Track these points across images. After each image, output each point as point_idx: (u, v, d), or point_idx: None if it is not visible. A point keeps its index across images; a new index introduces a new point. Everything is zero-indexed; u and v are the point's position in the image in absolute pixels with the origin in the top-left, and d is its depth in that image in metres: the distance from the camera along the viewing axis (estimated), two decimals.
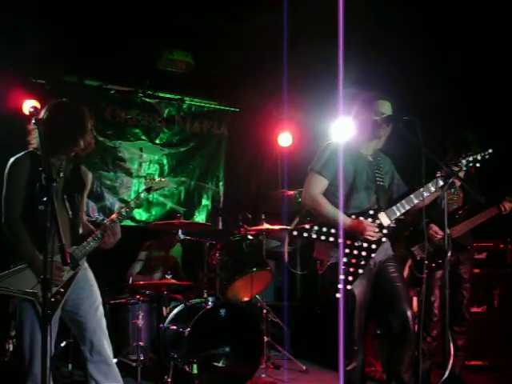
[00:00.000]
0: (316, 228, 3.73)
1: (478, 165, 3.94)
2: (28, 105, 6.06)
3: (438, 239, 4.67)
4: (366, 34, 5.69)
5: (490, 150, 3.96)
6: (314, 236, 3.73)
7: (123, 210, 3.66)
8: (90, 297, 3.60)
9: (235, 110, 7.86)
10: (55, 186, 2.87)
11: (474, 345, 5.36)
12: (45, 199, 2.85)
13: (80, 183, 3.70)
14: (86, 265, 3.65)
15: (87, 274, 3.64)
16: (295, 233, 3.77)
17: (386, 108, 3.87)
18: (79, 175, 3.70)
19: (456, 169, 3.82)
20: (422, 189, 3.80)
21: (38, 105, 5.64)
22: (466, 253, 4.90)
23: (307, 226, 3.74)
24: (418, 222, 4.68)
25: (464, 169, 3.88)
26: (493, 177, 4.50)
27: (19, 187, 3.40)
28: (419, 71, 6.11)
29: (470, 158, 3.90)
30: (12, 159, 3.46)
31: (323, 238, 3.73)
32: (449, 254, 3.59)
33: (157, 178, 3.99)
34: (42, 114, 3.50)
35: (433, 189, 3.81)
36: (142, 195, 3.79)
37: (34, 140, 3.47)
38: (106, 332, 3.63)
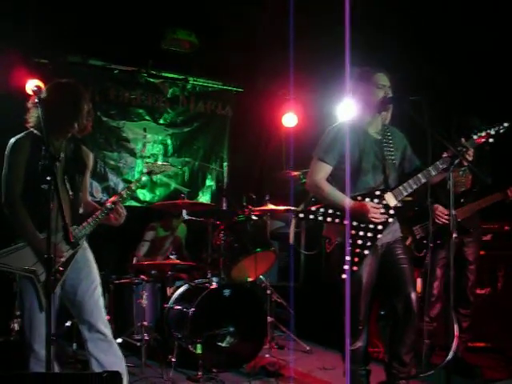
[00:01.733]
0: (322, 210, 3.72)
1: (491, 140, 3.82)
2: (31, 84, 6.03)
3: (443, 220, 4.65)
4: (372, 15, 5.65)
5: (506, 124, 3.83)
6: (321, 218, 3.73)
7: (124, 192, 3.65)
8: (89, 277, 3.60)
9: (240, 90, 7.81)
10: (57, 164, 2.85)
11: (477, 326, 5.36)
12: (48, 178, 2.83)
13: (81, 163, 3.68)
14: (85, 245, 3.64)
15: (86, 254, 3.64)
16: (301, 215, 3.77)
17: (385, 80, 3.84)
18: (80, 155, 3.69)
19: (463, 149, 3.75)
20: (430, 167, 3.76)
21: (41, 84, 5.63)
22: (470, 235, 4.88)
23: (313, 208, 3.74)
24: (423, 201, 4.67)
25: (473, 146, 3.79)
26: (504, 160, 4.43)
27: (19, 167, 3.40)
28: (423, 52, 6.07)
29: (483, 133, 3.81)
30: (12, 139, 3.45)
31: (329, 219, 3.72)
32: (454, 235, 3.56)
33: (159, 161, 3.97)
34: (42, 93, 3.48)
35: (441, 167, 3.77)
36: (144, 178, 3.78)
37: (32, 119, 3.46)
38: (104, 312, 3.63)
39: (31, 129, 3.46)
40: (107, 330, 3.60)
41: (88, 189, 3.82)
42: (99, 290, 3.63)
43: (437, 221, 4.68)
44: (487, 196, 4.80)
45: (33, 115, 3.45)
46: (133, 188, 3.71)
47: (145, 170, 3.83)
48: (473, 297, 4.93)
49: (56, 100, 3.47)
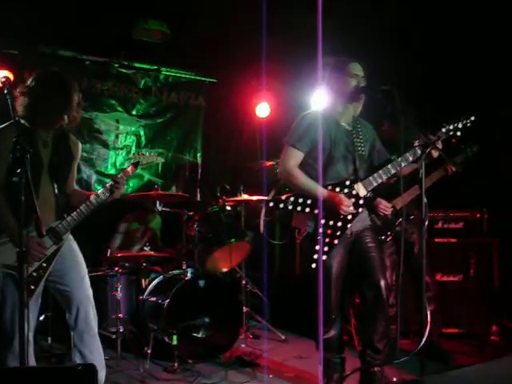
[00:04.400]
0: (292, 199, 3.73)
1: (458, 133, 3.87)
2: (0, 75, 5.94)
3: (387, 213, 4.65)
4: (345, 3, 5.65)
5: (472, 118, 3.89)
6: (290, 207, 3.73)
7: (109, 184, 3.58)
8: (76, 267, 3.58)
9: (213, 80, 7.77)
10: (27, 157, 2.80)
11: (451, 313, 5.45)
12: (19, 171, 2.80)
13: (68, 154, 3.64)
14: (70, 236, 3.61)
15: (72, 244, 3.62)
16: (271, 204, 3.77)
17: (359, 70, 3.85)
18: (67, 145, 3.64)
19: (434, 138, 3.78)
20: (399, 158, 3.79)
21: (10, 75, 5.55)
22: (412, 221, 4.92)
23: (283, 197, 3.74)
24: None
25: (442, 138, 3.84)
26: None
27: (1, 159, 3.32)
28: (397, 42, 6.10)
29: (451, 127, 3.86)
30: None
31: (299, 208, 3.74)
32: (426, 223, 3.59)
33: (146, 152, 3.92)
34: (28, 81, 3.42)
35: (411, 158, 3.80)
36: (129, 170, 3.70)
37: (20, 108, 3.39)
38: (93, 302, 3.63)
39: (17, 118, 3.36)
40: (95, 321, 3.61)
41: (75, 177, 3.77)
42: (87, 279, 3.63)
43: (381, 214, 4.67)
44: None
45: (20, 104, 3.38)
46: (119, 180, 3.59)
47: (131, 161, 3.78)
48: (430, 278, 4.99)
49: (45, 90, 3.41)
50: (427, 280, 4.94)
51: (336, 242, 3.72)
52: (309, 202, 3.72)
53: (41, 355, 4.94)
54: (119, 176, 3.60)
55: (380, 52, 5.79)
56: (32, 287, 3.35)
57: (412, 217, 4.91)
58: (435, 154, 3.81)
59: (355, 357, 4.09)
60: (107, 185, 3.57)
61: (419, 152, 3.75)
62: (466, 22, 5.76)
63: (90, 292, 3.63)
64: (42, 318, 5.08)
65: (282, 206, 3.74)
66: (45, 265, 3.41)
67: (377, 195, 4.44)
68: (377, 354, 3.85)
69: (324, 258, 3.68)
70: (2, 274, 3.35)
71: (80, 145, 3.75)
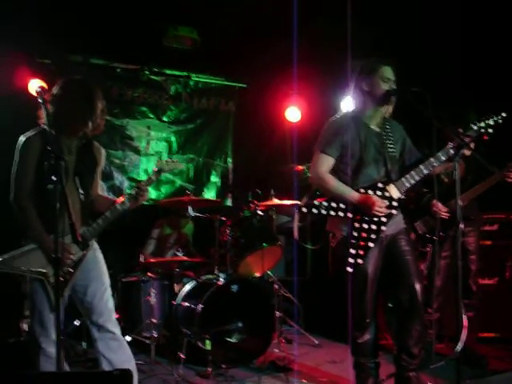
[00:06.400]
0: (325, 204, 3.72)
1: (490, 130, 3.77)
2: (34, 84, 6.04)
3: (442, 216, 4.64)
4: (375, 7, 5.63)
5: (504, 114, 3.78)
6: (324, 212, 3.72)
7: (133, 191, 3.61)
8: (99, 278, 3.59)
9: (243, 85, 7.81)
10: (63, 164, 2.84)
11: (486, 317, 5.36)
12: (54, 178, 2.82)
13: (92, 161, 3.66)
14: (95, 245, 3.64)
15: (97, 254, 3.63)
16: (305, 209, 3.76)
17: (390, 74, 3.82)
18: (91, 153, 3.66)
19: (466, 139, 3.73)
20: (431, 159, 3.75)
21: (44, 85, 5.64)
22: (470, 224, 4.86)
23: (316, 202, 3.73)
24: (420, 196, 4.67)
25: (474, 137, 3.77)
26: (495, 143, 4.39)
27: (29, 166, 3.37)
28: (428, 44, 6.05)
29: (482, 124, 3.78)
30: (22, 138, 3.43)
31: (333, 213, 3.71)
32: (461, 226, 3.54)
33: (168, 159, 3.94)
34: (53, 89, 3.46)
35: (443, 158, 3.76)
36: (153, 178, 3.74)
37: (45, 115, 3.43)
38: (114, 313, 3.63)
39: (43, 125, 3.40)
40: (117, 329, 3.60)
41: (100, 184, 3.79)
42: (109, 291, 3.63)
43: (436, 215, 4.66)
44: (483, 181, 4.79)
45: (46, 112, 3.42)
46: (143, 187, 3.62)
47: (154, 168, 3.80)
48: (475, 286, 4.93)
49: (70, 97, 3.44)
50: (472, 287, 4.89)
51: (371, 245, 3.68)
52: (342, 206, 3.70)
53: (75, 360, 5.00)
54: (142, 184, 3.63)
55: (411, 52, 5.76)
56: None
57: (473, 217, 4.86)
58: (467, 152, 3.79)
59: (390, 362, 4.05)
60: (131, 192, 3.60)
61: (452, 152, 3.71)
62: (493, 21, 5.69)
63: (111, 303, 3.62)
64: (76, 322, 5.15)
65: (315, 210, 3.72)
66: (71, 270, 3.44)
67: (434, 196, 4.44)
68: (412, 359, 3.80)
69: (360, 261, 3.65)
70: (30, 279, 3.39)
71: (104, 151, 3.76)
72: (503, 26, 5.68)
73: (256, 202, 5.77)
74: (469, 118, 4.44)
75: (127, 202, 3.58)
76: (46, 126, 3.30)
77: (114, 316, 3.64)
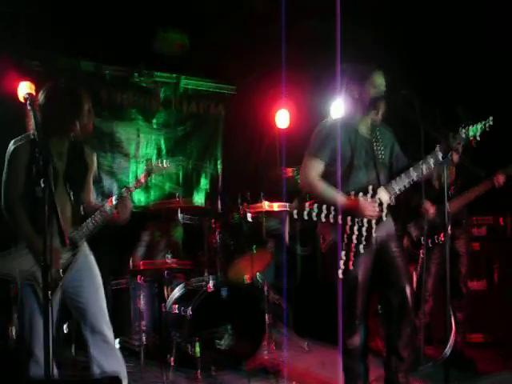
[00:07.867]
0: (316, 208, 3.72)
1: (478, 137, 3.78)
2: (23, 87, 6.01)
3: (430, 216, 4.66)
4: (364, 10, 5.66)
5: (491, 118, 3.78)
6: (315, 218, 3.72)
7: (123, 192, 3.64)
8: (92, 282, 3.61)
9: (232, 89, 7.80)
10: (51, 169, 2.84)
11: (475, 319, 5.38)
12: (42, 183, 2.83)
13: (83, 165, 3.69)
14: (87, 250, 3.65)
15: (88, 258, 3.65)
16: (295, 215, 3.76)
17: (381, 80, 3.84)
18: (83, 157, 3.69)
19: (455, 142, 3.74)
20: (420, 162, 3.77)
21: (32, 87, 5.64)
22: (460, 227, 4.90)
23: (307, 208, 3.73)
24: (410, 199, 4.69)
25: (463, 142, 3.79)
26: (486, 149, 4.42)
27: (18, 171, 3.42)
28: (419, 48, 6.08)
29: (470, 132, 3.79)
30: (12, 145, 3.47)
31: (323, 217, 3.72)
32: (449, 230, 3.56)
33: (157, 161, 3.98)
34: (38, 97, 3.48)
35: (432, 161, 3.77)
36: (143, 180, 3.78)
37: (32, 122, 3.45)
38: (107, 316, 3.64)
39: (32, 131, 3.45)
40: (110, 333, 3.61)
41: (92, 190, 3.81)
42: (102, 294, 3.65)
43: (427, 217, 4.69)
44: (475, 186, 4.82)
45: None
46: (131, 190, 3.70)
47: (143, 169, 3.84)
48: (465, 288, 4.97)
49: (55, 102, 3.48)
50: (463, 290, 4.93)
51: (362, 249, 3.70)
52: (332, 211, 3.71)
53: (65, 364, 4.97)
54: (131, 185, 3.71)
55: (400, 56, 5.78)
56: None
57: (464, 221, 4.91)
58: (456, 157, 3.80)
59: (379, 365, 4.06)
60: (121, 192, 3.63)
61: (440, 155, 3.72)
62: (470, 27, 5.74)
63: (105, 306, 3.64)
64: (65, 327, 5.13)
65: (306, 217, 3.73)
66: (61, 275, 3.44)
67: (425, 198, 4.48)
68: (401, 362, 3.81)
69: (350, 266, 3.66)
70: (21, 283, 3.39)
71: (95, 156, 3.79)
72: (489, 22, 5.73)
73: (245, 206, 5.77)
74: (458, 114, 4.48)
75: (112, 208, 3.60)
76: (34, 132, 3.33)
77: (108, 318, 3.64)
